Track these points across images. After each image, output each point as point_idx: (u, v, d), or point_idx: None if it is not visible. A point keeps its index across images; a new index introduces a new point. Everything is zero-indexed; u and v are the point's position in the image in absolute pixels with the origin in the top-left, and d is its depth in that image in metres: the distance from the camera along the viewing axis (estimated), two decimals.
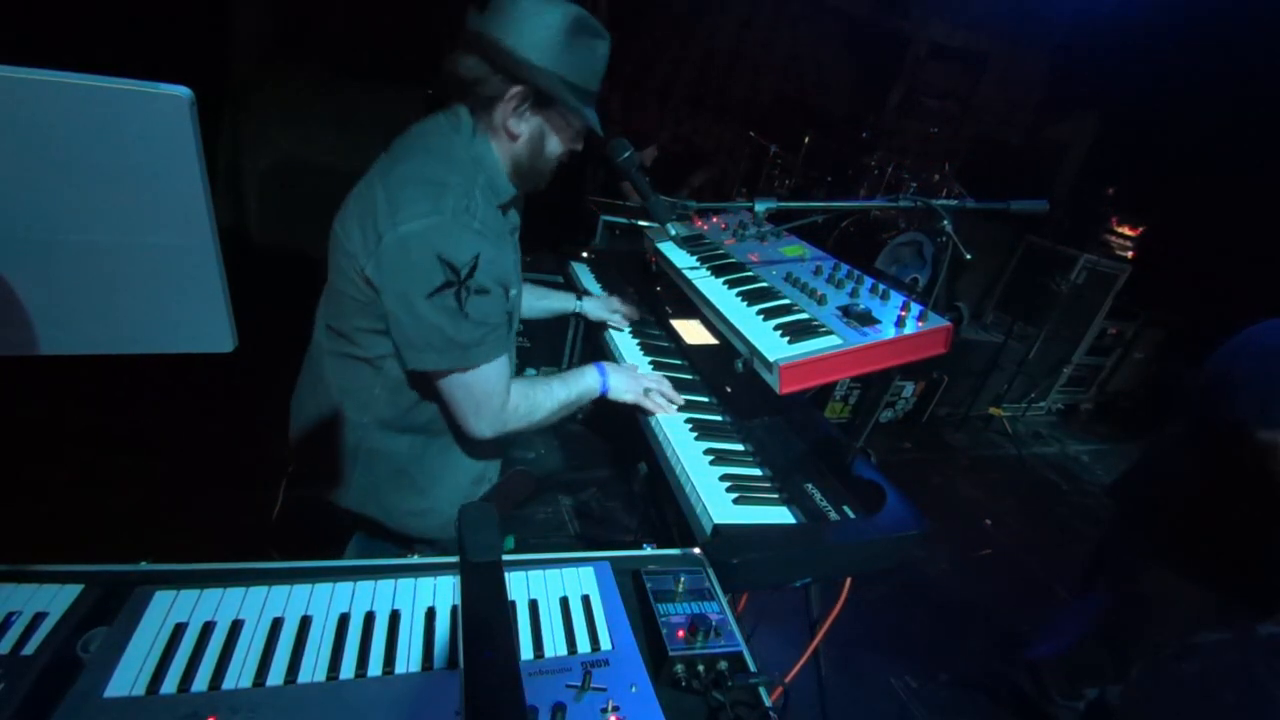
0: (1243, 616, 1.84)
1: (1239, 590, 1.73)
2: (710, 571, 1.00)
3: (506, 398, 1.22)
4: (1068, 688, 2.07)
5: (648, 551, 1.04)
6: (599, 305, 1.90)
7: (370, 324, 1.15)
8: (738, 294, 1.56)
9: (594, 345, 1.90)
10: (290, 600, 0.81)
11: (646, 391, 1.47)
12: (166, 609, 0.76)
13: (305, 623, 0.78)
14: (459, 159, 1.13)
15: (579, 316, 1.90)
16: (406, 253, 1.04)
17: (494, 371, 1.18)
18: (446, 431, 1.31)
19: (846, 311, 1.39)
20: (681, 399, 1.51)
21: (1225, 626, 1.86)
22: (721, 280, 1.64)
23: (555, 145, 1.23)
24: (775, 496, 1.28)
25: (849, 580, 1.24)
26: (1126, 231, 4.87)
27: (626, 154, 1.37)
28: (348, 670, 0.74)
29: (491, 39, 1.09)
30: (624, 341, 1.81)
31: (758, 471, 1.36)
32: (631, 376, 1.50)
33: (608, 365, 1.48)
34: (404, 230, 1.03)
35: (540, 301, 1.85)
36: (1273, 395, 1.54)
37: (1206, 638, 1.89)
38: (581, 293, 1.94)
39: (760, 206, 1.36)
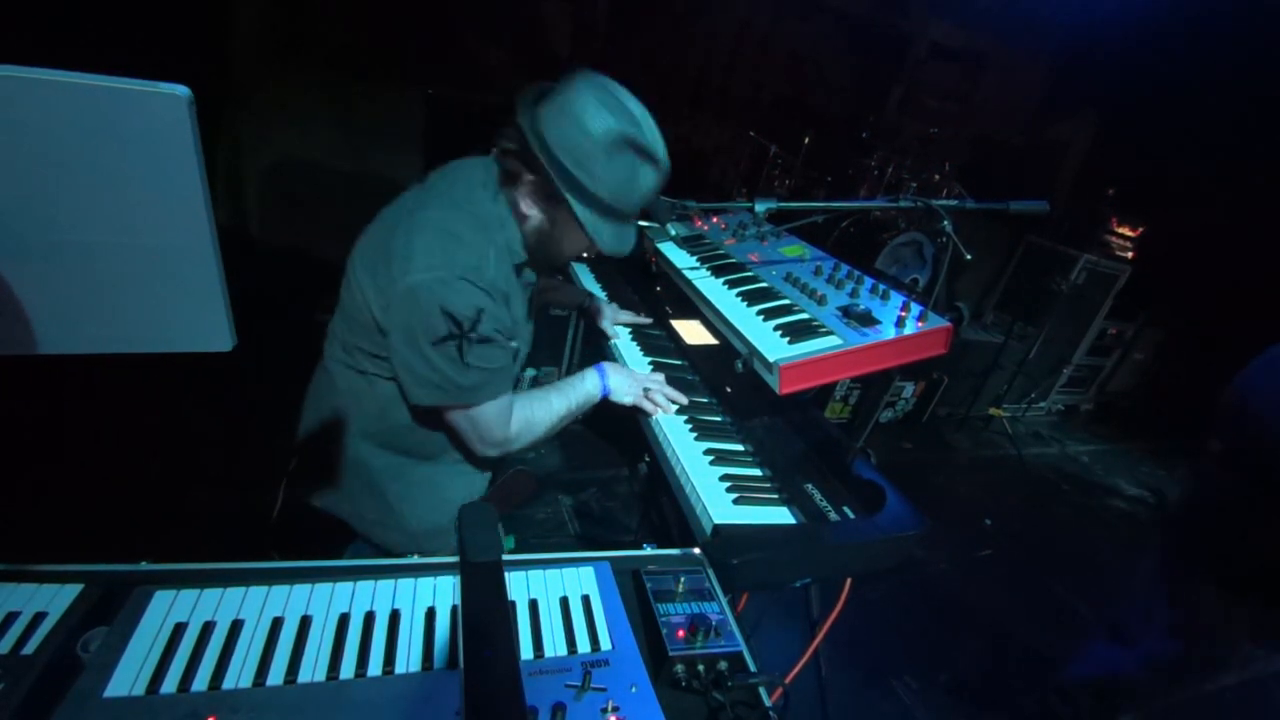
0: None
1: None
2: (710, 571, 1.00)
3: (509, 426, 1.24)
4: (1101, 711, 2.05)
5: (648, 551, 1.04)
6: (603, 313, 1.87)
7: (371, 348, 1.17)
8: (738, 294, 1.56)
9: (595, 345, 1.89)
10: (290, 600, 0.80)
11: (647, 391, 1.47)
12: (166, 609, 0.76)
13: (305, 623, 0.78)
14: (481, 215, 1.13)
15: (584, 314, 1.88)
16: (414, 302, 1.05)
17: (495, 408, 1.20)
18: (431, 460, 1.32)
19: (846, 312, 1.39)
20: (684, 398, 1.50)
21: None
22: (721, 280, 1.64)
23: (566, 242, 1.22)
24: (775, 496, 1.28)
25: (849, 580, 1.24)
26: (1126, 231, 4.86)
27: None
28: (348, 670, 0.73)
29: (532, 120, 1.08)
30: (624, 342, 1.81)
31: (758, 471, 1.36)
32: (631, 377, 1.49)
33: (608, 366, 1.47)
34: (414, 280, 1.04)
35: (544, 293, 1.84)
36: None
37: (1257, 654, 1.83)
38: (587, 295, 1.93)
39: (760, 206, 1.37)
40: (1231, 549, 1.73)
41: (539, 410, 1.31)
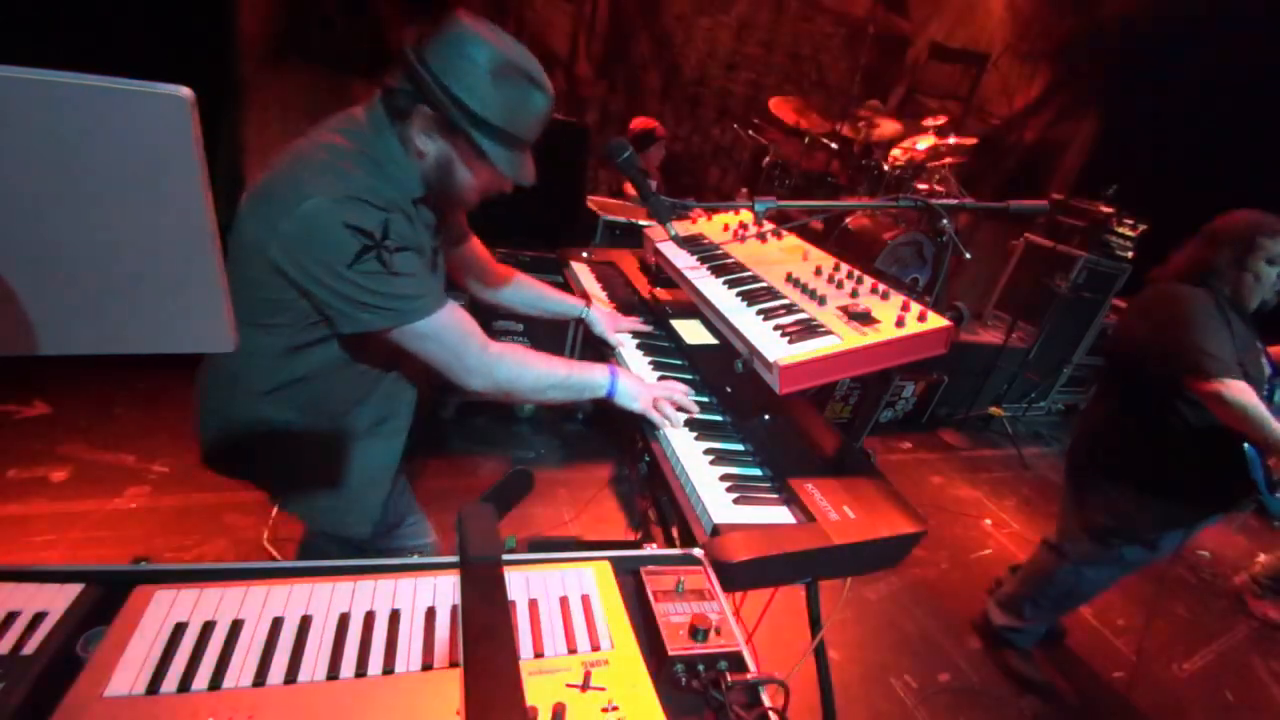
0: (1204, 515, 2.14)
1: (1197, 499, 2.09)
2: (710, 571, 1.00)
3: (485, 340, 1.21)
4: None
5: (648, 551, 1.04)
6: (604, 321, 1.82)
7: (274, 293, 1.11)
8: (738, 294, 1.56)
9: (595, 346, 1.89)
10: (290, 600, 0.80)
11: (656, 402, 1.42)
12: (166, 609, 0.76)
13: (305, 622, 0.78)
14: (367, 149, 1.12)
15: (582, 323, 1.85)
16: (315, 226, 1.02)
17: (453, 317, 1.16)
18: (342, 416, 1.29)
19: (846, 311, 1.39)
20: (696, 409, 1.45)
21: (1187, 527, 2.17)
22: (721, 280, 1.64)
23: (467, 176, 1.21)
24: (775, 496, 1.28)
25: (849, 580, 1.24)
26: (1126, 231, 4.86)
27: (625, 155, 1.37)
28: (348, 670, 0.73)
29: (417, 58, 1.10)
30: (624, 341, 1.80)
31: (758, 471, 1.36)
32: (642, 384, 1.45)
33: (620, 369, 1.44)
34: (308, 206, 1.02)
35: (544, 302, 1.81)
36: (1181, 354, 1.89)
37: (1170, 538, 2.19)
38: (588, 298, 1.91)
39: (760, 206, 1.37)
40: (1148, 466, 2.12)
41: (534, 356, 1.28)
